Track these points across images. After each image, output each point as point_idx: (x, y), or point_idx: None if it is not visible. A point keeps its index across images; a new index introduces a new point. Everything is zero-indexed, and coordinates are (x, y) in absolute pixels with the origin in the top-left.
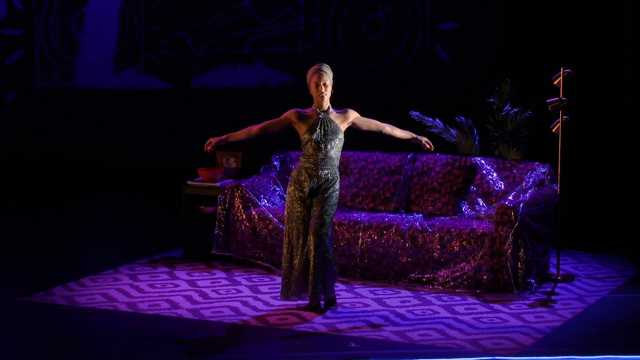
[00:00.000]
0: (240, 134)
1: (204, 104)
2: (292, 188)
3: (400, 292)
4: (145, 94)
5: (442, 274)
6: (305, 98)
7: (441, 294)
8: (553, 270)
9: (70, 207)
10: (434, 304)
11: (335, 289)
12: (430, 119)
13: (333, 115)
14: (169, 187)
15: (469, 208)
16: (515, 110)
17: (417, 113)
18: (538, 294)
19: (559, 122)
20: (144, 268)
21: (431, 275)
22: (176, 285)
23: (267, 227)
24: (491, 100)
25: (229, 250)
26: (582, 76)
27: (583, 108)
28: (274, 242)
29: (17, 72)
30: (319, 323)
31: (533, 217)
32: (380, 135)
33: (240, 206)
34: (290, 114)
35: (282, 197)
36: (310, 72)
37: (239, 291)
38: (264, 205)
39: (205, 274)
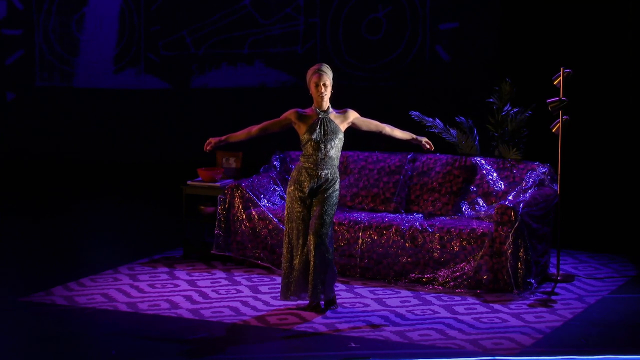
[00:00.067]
0: (240, 135)
1: (204, 104)
2: (292, 188)
3: (400, 292)
4: (145, 94)
5: (442, 274)
6: (305, 98)
7: (441, 294)
8: (553, 270)
9: (70, 207)
10: (434, 304)
11: (335, 289)
12: (430, 119)
13: (333, 115)
14: (169, 187)
15: (469, 208)
16: (515, 110)
17: (417, 113)
18: (538, 294)
19: (559, 122)
20: (144, 268)
21: (431, 275)
22: (176, 285)
23: (267, 227)
24: (491, 100)
25: (229, 250)
26: (582, 76)
27: (583, 108)
28: (274, 242)
29: (17, 72)
30: (319, 323)
31: (533, 217)
32: (379, 135)
33: (240, 206)
34: (290, 114)
35: (282, 197)
36: (310, 72)
37: (239, 291)
38: (264, 205)
39: (205, 274)
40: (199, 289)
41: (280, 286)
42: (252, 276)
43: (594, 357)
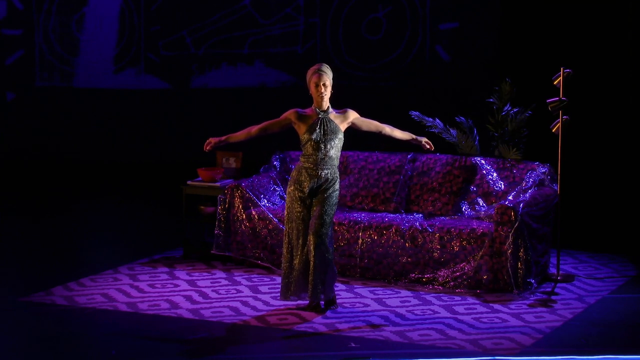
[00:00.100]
0: (240, 135)
1: (204, 104)
2: (292, 188)
3: (400, 292)
4: (145, 94)
5: (442, 274)
6: (305, 98)
7: (441, 294)
8: (553, 270)
9: (70, 207)
10: (434, 304)
11: (335, 289)
12: (430, 119)
13: (333, 115)
14: (169, 187)
15: (469, 208)
16: (515, 110)
17: (417, 113)
18: (538, 294)
19: (559, 122)
20: (144, 268)
21: (431, 275)
22: (176, 285)
23: (267, 227)
24: (491, 100)
25: (229, 250)
26: (582, 76)
27: (583, 108)
28: (274, 242)
29: (17, 72)
30: (319, 323)
31: (533, 217)
32: (379, 136)
33: (240, 206)
34: (289, 114)
35: (282, 197)
36: (310, 72)
37: (239, 291)
38: (264, 205)
39: (205, 274)
40: (199, 289)
41: (280, 286)
42: (252, 276)
43: (594, 357)
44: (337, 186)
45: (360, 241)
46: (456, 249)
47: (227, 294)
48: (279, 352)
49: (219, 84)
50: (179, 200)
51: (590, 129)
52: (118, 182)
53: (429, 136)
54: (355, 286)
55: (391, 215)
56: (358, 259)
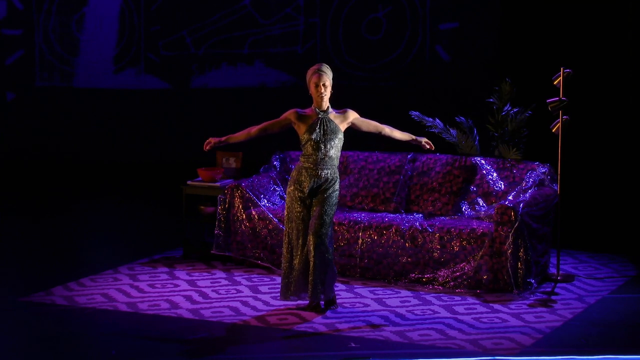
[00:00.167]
0: (240, 136)
1: (204, 104)
2: (291, 188)
3: (400, 292)
4: (145, 94)
5: (442, 274)
6: (305, 98)
7: (441, 294)
8: (553, 270)
9: (70, 207)
10: (434, 304)
11: (335, 289)
12: (430, 119)
13: (332, 115)
14: (169, 187)
15: (469, 208)
16: (515, 110)
17: (417, 113)
18: (538, 294)
19: (559, 122)
20: (144, 268)
21: (431, 275)
22: (176, 285)
23: (267, 227)
24: (491, 100)
25: (229, 250)
26: (582, 76)
27: (583, 108)
28: (274, 242)
29: (17, 72)
30: (319, 323)
31: (533, 217)
32: (379, 136)
33: (240, 206)
34: (289, 114)
35: (282, 197)
36: (309, 72)
37: (239, 291)
38: (264, 205)
39: (205, 274)
40: (199, 289)
41: (280, 286)
42: (252, 276)
43: (594, 357)
44: (337, 186)
45: (360, 241)
46: (456, 249)
47: (227, 294)
48: (279, 352)
49: (219, 84)
50: (179, 200)
51: (590, 129)
52: (118, 182)
53: (429, 136)
54: (355, 286)
55: (391, 215)
56: (358, 259)
